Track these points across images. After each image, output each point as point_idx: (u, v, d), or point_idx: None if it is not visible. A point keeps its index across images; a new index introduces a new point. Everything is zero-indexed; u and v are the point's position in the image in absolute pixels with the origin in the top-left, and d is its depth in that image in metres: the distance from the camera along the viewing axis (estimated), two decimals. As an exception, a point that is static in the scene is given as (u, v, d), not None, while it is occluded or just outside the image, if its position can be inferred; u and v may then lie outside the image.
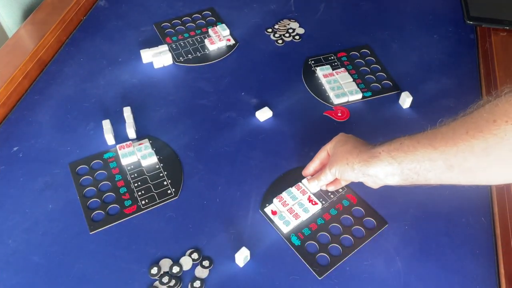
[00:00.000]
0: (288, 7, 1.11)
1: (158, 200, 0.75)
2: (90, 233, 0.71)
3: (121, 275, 0.66)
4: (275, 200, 0.74)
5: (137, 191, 0.76)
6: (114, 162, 0.79)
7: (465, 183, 0.58)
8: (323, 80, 0.93)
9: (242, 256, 0.66)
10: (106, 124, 0.83)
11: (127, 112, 0.85)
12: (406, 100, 0.89)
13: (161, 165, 0.79)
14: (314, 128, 0.86)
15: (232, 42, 1.01)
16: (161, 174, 0.78)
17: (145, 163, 0.79)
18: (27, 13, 1.09)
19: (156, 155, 0.80)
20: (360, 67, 0.97)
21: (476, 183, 0.58)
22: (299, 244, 0.70)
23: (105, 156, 0.80)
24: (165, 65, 0.96)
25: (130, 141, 0.81)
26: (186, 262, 0.68)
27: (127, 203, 0.74)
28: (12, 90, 0.88)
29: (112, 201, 0.74)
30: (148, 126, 0.86)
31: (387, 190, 0.69)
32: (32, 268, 0.67)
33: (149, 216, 0.73)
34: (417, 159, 0.58)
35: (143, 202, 0.74)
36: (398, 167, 0.60)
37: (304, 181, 0.76)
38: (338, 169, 0.68)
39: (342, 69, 0.95)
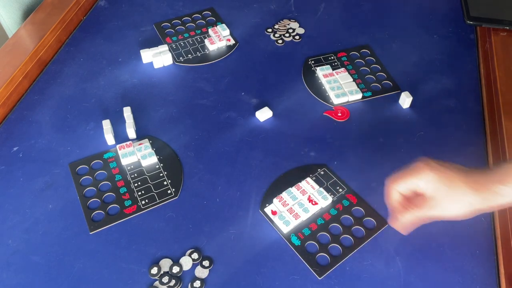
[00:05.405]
0: (288, 7, 1.11)
1: (158, 200, 0.75)
2: (90, 233, 0.71)
3: (121, 275, 0.66)
4: (275, 200, 0.74)
5: (137, 191, 0.76)
6: (114, 162, 0.79)
7: None
8: (323, 80, 0.93)
9: None
10: (106, 124, 0.83)
11: (127, 112, 0.85)
12: (406, 100, 0.89)
13: (161, 165, 0.79)
14: (314, 128, 0.86)
15: (232, 42, 1.01)
16: (161, 174, 0.78)
17: (145, 163, 0.79)
18: (27, 13, 1.10)
19: (156, 155, 0.80)
20: (360, 67, 0.97)
21: None
22: (299, 244, 0.70)
23: (105, 156, 0.80)
24: (165, 65, 0.96)
25: (130, 141, 0.81)
26: (186, 262, 0.68)
27: (127, 203, 0.74)
28: (12, 90, 0.88)
29: (112, 201, 0.74)
30: (148, 126, 0.86)
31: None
32: (32, 268, 0.67)
33: (149, 216, 0.73)
34: None
35: (143, 202, 0.74)
36: None
37: (303, 183, 0.76)
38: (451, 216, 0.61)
39: (342, 69, 0.95)
